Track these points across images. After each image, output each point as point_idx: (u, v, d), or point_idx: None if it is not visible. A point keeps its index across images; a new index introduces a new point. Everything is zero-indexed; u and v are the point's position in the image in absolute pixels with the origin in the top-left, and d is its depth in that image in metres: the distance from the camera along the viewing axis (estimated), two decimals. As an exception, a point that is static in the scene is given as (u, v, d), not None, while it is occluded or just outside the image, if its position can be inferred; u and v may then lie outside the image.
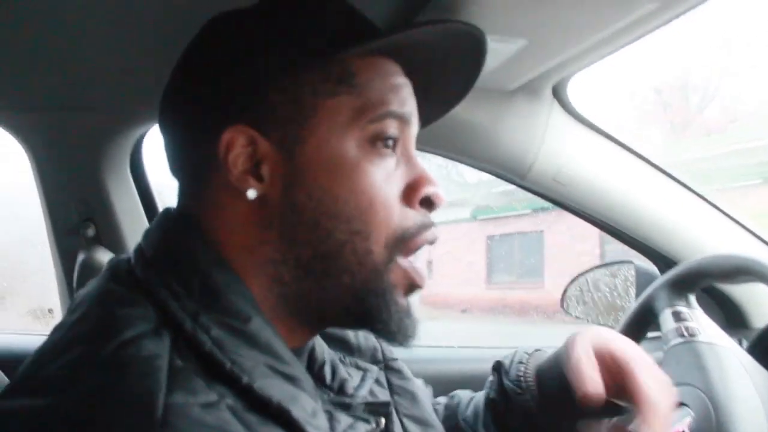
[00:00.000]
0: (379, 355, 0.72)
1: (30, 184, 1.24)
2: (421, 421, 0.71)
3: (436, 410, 0.81)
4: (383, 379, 0.71)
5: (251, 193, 0.54)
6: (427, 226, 0.58)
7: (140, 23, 0.80)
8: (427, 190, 0.58)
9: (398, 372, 0.73)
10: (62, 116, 1.08)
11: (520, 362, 0.77)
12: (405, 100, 0.59)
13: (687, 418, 0.84)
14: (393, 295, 0.56)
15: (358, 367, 0.69)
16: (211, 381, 0.47)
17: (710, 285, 1.10)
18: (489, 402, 0.78)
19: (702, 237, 1.14)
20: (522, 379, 0.75)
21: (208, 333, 0.49)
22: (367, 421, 0.58)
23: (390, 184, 0.56)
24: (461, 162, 1.16)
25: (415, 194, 0.57)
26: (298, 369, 0.53)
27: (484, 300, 8.13)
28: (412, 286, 0.58)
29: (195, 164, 0.58)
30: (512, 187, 1.18)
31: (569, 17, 0.77)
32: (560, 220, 7.37)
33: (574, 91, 1.06)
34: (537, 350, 0.79)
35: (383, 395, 0.68)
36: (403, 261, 0.57)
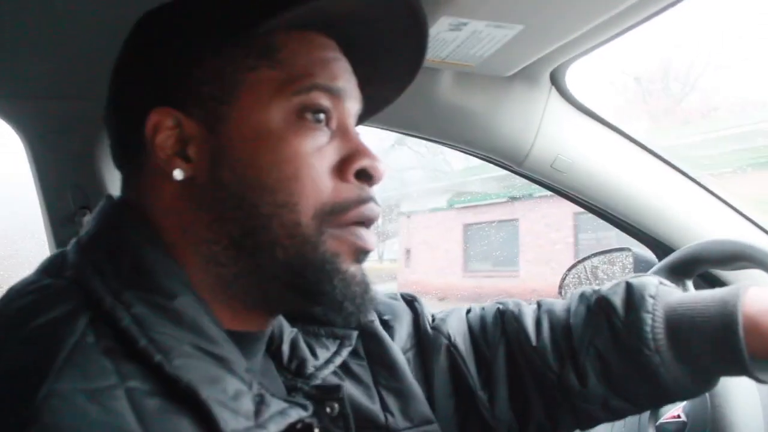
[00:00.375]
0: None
1: (25, 172, 1.23)
2: (400, 393, 0.69)
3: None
4: (360, 348, 0.70)
5: (178, 174, 0.55)
6: (364, 200, 0.57)
7: (136, 12, 0.79)
8: (362, 163, 0.57)
9: (374, 336, 0.71)
10: (58, 104, 1.07)
11: (647, 311, 0.67)
12: (336, 74, 0.58)
13: (681, 402, 0.84)
14: (336, 264, 0.55)
15: (335, 336, 0.68)
16: (121, 360, 0.47)
17: (707, 271, 1.10)
18: (594, 350, 0.70)
19: (700, 224, 1.13)
20: (650, 333, 0.67)
21: (129, 310, 0.49)
22: (303, 407, 0.55)
23: (321, 157, 0.56)
24: (458, 149, 1.16)
25: (348, 167, 0.57)
26: (229, 349, 0.52)
27: (462, 288, 8.15)
28: (358, 251, 0.57)
29: (128, 150, 0.59)
30: (501, 173, 1.17)
31: (566, 2, 0.76)
32: (535, 209, 7.39)
33: (572, 78, 1.06)
34: (661, 283, 0.71)
35: (360, 368, 0.68)
36: (335, 230, 0.55)
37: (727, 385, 0.90)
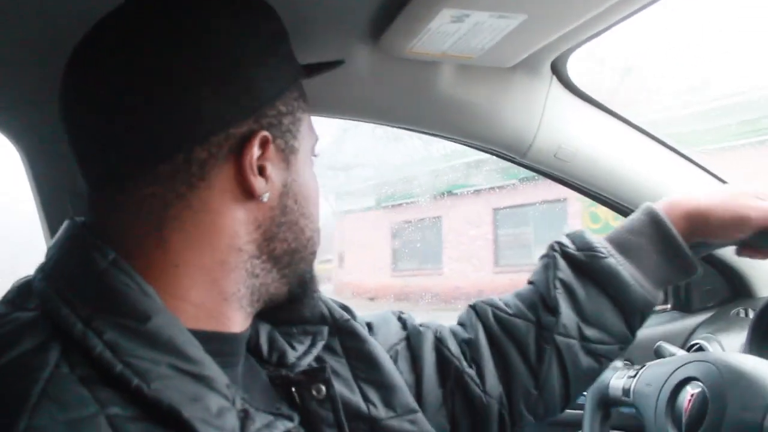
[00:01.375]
0: (329, 319, 0.72)
1: (20, 181, 1.22)
2: (381, 385, 0.71)
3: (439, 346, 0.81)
4: (337, 345, 0.72)
5: (266, 197, 0.58)
6: None
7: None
8: None
9: (352, 334, 0.73)
10: (54, 112, 1.06)
11: (591, 235, 0.81)
12: None
13: (696, 389, 0.84)
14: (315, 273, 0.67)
15: (306, 333, 0.70)
16: (99, 388, 0.46)
17: (711, 254, 1.10)
18: (559, 281, 0.80)
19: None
20: (599, 244, 0.80)
21: (101, 336, 0.48)
22: (289, 418, 0.58)
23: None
24: (460, 142, 1.15)
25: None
26: (209, 367, 0.52)
27: (391, 287, 8.13)
28: None
29: (183, 166, 0.54)
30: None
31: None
32: (456, 206, 7.41)
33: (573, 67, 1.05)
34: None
35: (337, 364, 0.70)
36: None
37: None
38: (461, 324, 0.84)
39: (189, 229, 0.55)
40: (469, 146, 1.15)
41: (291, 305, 0.67)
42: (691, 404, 0.83)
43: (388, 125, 1.13)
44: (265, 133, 0.57)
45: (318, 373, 0.66)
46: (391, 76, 0.98)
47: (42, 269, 0.54)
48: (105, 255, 0.53)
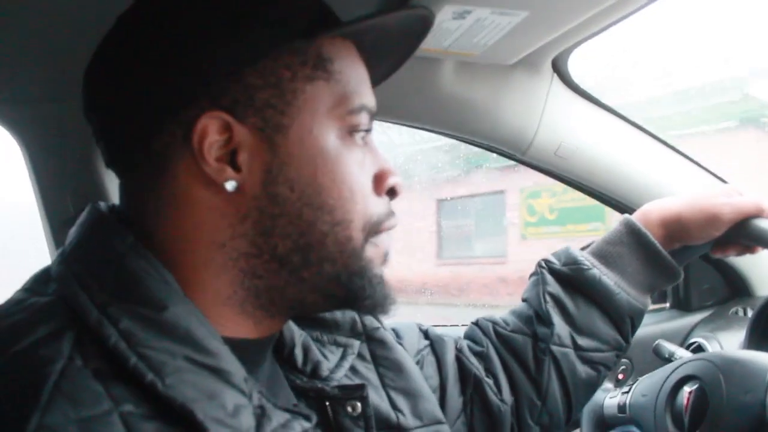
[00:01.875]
0: (359, 327, 0.71)
1: (23, 177, 1.22)
2: (408, 393, 0.70)
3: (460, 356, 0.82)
4: (366, 352, 0.71)
5: (230, 185, 0.51)
6: (392, 212, 0.60)
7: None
8: (393, 181, 0.59)
9: (381, 342, 0.72)
10: (56, 108, 1.06)
11: (574, 251, 0.83)
12: (371, 91, 0.58)
13: (694, 386, 0.84)
14: (372, 270, 0.57)
15: (337, 344, 0.68)
16: (112, 383, 0.45)
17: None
18: (549, 295, 0.82)
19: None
20: (582, 257, 0.82)
21: (117, 325, 0.47)
22: (307, 418, 0.55)
23: (365, 175, 0.57)
24: (460, 140, 1.15)
25: (383, 184, 0.58)
26: (226, 360, 0.50)
27: None
28: (386, 256, 0.60)
29: (147, 155, 0.53)
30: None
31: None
32: (400, 200, 7.39)
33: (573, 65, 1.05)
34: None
35: (366, 370, 0.69)
36: (374, 240, 0.57)
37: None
38: (468, 338, 0.86)
39: (169, 223, 0.53)
40: (469, 143, 1.15)
41: (347, 308, 0.64)
42: (690, 402, 0.83)
43: (388, 122, 1.13)
44: (221, 113, 0.51)
45: (355, 390, 0.63)
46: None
47: (62, 253, 0.53)
48: (124, 239, 0.51)
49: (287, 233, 0.53)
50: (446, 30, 0.84)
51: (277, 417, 0.51)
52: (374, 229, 0.57)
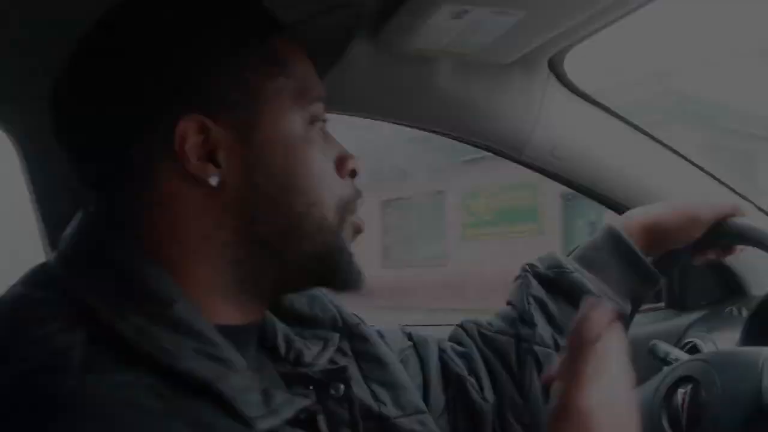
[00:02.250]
0: (340, 323, 0.72)
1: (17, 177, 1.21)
2: (390, 385, 0.71)
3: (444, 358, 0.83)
4: (347, 348, 0.72)
5: (214, 180, 0.55)
6: (359, 193, 0.64)
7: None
8: (352, 164, 0.63)
9: (362, 337, 0.73)
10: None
11: (558, 256, 0.86)
12: (320, 82, 0.63)
13: (688, 387, 0.84)
14: (347, 247, 0.62)
15: (317, 337, 0.70)
16: (129, 365, 0.47)
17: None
18: (532, 297, 0.84)
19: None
20: (566, 261, 0.85)
21: (128, 321, 0.49)
22: (305, 396, 0.59)
23: (328, 160, 0.61)
24: (456, 139, 1.15)
25: (343, 167, 0.62)
26: (228, 351, 0.53)
27: None
28: (356, 233, 0.64)
29: (130, 166, 0.56)
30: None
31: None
32: None
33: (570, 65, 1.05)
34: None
35: (346, 363, 0.70)
36: (348, 218, 0.62)
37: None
38: (453, 340, 0.88)
39: (156, 223, 0.56)
40: (465, 143, 1.15)
41: (325, 284, 0.65)
42: (686, 402, 0.83)
43: (383, 121, 1.13)
44: (196, 116, 0.54)
45: (338, 372, 0.66)
46: (389, 72, 0.99)
47: (62, 255, 0.55)
48: (120, 241, 0.55)
49: (267, 218, 0.57)
50: (444, 30, 0.84)
51: (280, 395, 0.53)
52: (346, 207, 0.61)
